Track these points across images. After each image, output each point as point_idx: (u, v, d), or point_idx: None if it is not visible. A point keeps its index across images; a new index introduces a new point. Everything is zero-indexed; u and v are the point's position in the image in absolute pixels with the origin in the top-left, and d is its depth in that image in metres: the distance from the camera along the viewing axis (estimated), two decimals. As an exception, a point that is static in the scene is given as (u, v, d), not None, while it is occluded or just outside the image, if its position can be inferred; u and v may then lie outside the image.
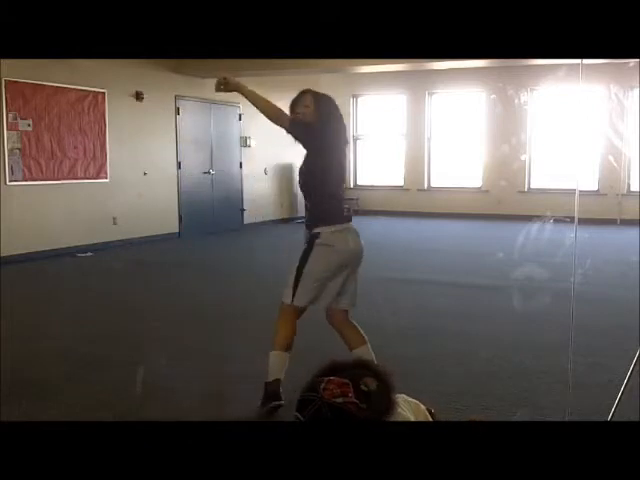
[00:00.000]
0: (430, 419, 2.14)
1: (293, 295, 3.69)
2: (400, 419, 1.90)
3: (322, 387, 1.79)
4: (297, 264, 3.67)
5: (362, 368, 1.89)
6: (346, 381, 1.80)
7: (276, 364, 3.59)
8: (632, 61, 9.07)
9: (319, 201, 3.59)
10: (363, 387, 1.80)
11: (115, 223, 9.81)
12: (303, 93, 3.65)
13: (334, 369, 1.86)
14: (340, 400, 1.76)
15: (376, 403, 1.81)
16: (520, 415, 3.43)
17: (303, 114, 3.56)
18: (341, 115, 3.70)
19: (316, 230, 3.56)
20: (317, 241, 3.56)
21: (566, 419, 3.05)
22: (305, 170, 3.61)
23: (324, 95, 3.70)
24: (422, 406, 2.14)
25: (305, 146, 3.59)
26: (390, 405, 1.85)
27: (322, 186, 3.57)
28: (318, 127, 3.53)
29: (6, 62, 8.03)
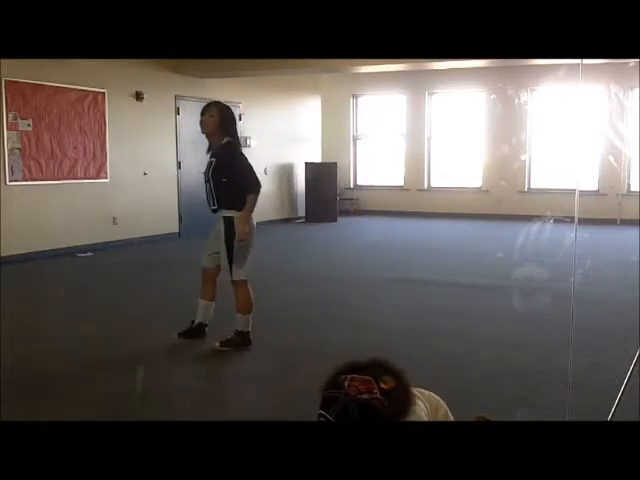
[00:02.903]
0: (447, 409, 2.14)
1: (231, 271, 4.58)
2: (419, 414, 1.91)
3: (346, 384, 1.80)
4: (225, 245, 4.56)
5: (379, 366, 1.90)
6: (369, 378, 1.81)
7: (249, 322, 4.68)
8: (632, 61, 9.06)
9: (229, 193, 4.55)
10: (383, 385, 1.81)
11: (115, 223, 9.81)
12: (210, 104, 4.72)
13: (352, 368, 1.87)
14: (366, 397, 1.77)
15: (396, 400, 1.83)
16: (520, 415, 3.43)
17: (208, 122, 4.59)
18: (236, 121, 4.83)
19: (229, 214, 4.55)
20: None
21: (566, 419, 3.05)
22: (225, 170, 4.57)
23: (226, 106, 4.75)
24: (439, 399, 2.14)
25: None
26: (409, 402, 1.87)
27: (230, 181, 4.57)
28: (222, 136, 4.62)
29: (6, 62, 8.03)
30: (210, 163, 4.63)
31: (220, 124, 4.59)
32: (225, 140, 4.61)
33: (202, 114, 4.63)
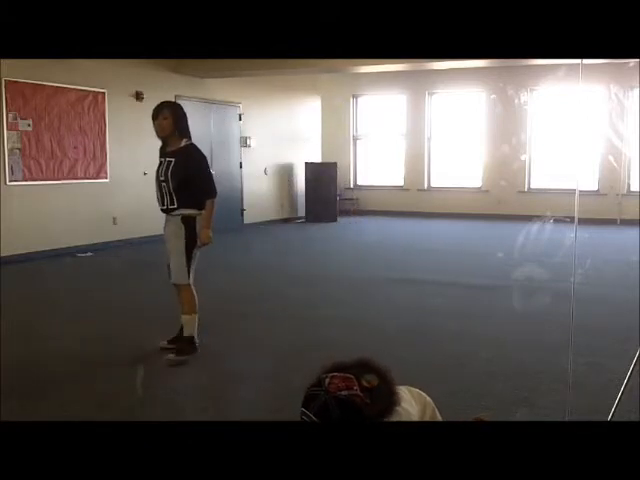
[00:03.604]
0: (434, 407, 2.15)
1: (189, 274, 4.54)
2: (405, 414, 1.92)
3: (327, 382, 1.82)
4: (185, 246, 4.48)
5: (363, 367, 1.91)
6: (350, 376, 1.83)
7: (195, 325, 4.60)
8: (632, 61, 9.07)
9: (190, 192, 4.48)
10: (365, 383, 1.83)
11: (115, 223, 9.81)
12: (162, 106, 4.59)
13: (336, 368, 1.89)
14: (345, 393, 1.79)
15: (379, 398, 1.84)
16: (520, 415, 3.43)
17: (163, 125, 4.48)
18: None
19: (191, 212, 4.49)
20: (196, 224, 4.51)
21: (566, 419, 3.05)
22: (189, 169, 4.50)
23: (178, 104, 4.77)
24: (426, 396, 2.14)
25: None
26: (393, 400, 1.88)
27: (192, 182, 4.50)
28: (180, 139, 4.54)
29: (6, 62, 8.03)
30: (168, 162, 4.48)
31: (175, 125, 4.50)
32: (185, 142, 4.53)
33: (155, 117, 4.50)
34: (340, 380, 1.83)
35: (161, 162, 4.54)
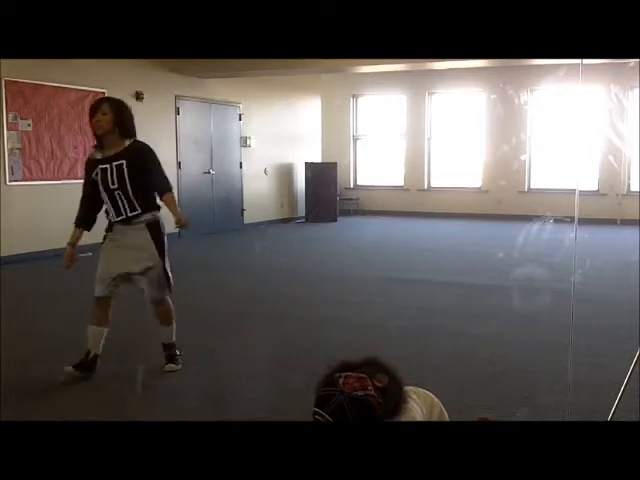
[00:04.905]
0: (441, 408, 2.15)
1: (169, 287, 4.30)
2: (412, 412, 1.92)
3: (341, 382, 1.81)
4: (159, 255, 4.27)
5: (372, 365, 1.91)
6: (364, 375, 1.83)
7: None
8: (632, 61, 9.07)
9: (150, 193, 4.16)
10: (377, 383, 1.83)
11: (115, 223, 9.80)
12: (101, 101, 4.16)
13: (345, 367, 1.88)
14: (361, 393, 1.79)
15: (390, 398, 1.84)
16: (520, 415, 3.43)
17: (101, 121, 4.01)
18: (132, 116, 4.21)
19: (154, 216, 4.20)
20: (163, 229, 4.31)
21: (566, 419, 3.05)
22: (145, 170, 4.11)
23: (119, 100, 4.21)
24: (433, 397, 2.15)
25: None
26: (402, 398, 1.89)
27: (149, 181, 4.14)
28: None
29: (6, 62, 8.03)
30: (118, 167, 4.02)
31: (115, 121, 4.01)
32: (130, 140, 4.10)
33: (92, 115, 4.03)
34: (355, 380, 1.81)
35: (104, 169, 4.04)
